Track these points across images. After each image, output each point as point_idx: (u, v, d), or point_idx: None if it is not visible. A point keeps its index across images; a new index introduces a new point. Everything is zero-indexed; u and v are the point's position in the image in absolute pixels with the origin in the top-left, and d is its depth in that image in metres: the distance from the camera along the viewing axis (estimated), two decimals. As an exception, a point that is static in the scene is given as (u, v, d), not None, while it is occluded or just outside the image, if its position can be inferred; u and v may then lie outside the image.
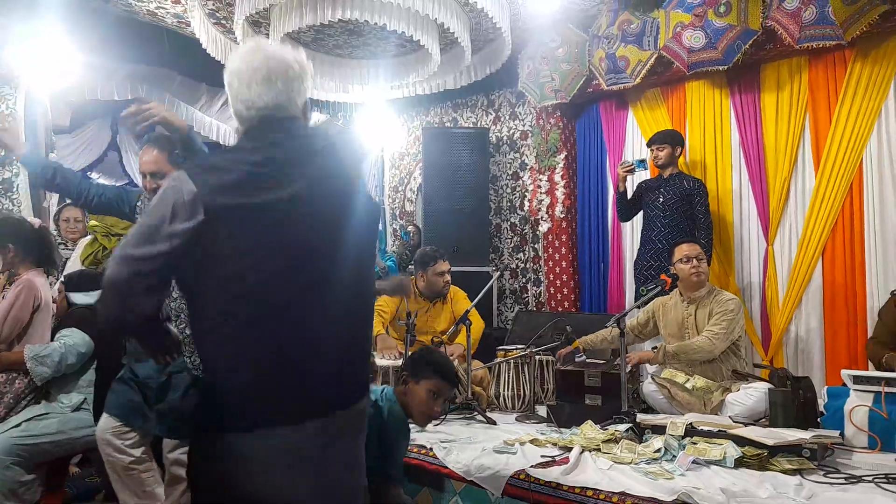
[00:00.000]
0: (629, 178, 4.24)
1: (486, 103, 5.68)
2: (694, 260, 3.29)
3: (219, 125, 5.46)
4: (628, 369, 3.02)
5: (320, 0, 3.59)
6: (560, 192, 5.01)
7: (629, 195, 4.23)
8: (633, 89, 4.51)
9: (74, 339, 2.90)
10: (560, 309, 4.94)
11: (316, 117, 5.95)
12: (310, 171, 1.32)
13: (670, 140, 4.08)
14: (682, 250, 3.36)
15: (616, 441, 2.56)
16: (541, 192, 5.11)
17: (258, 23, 4.31)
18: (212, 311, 1.27)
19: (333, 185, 1.35)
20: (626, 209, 4.27)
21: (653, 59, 4.17)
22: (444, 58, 4.53)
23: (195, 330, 1.33)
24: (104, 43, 4.28)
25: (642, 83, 4.35)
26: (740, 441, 2.36)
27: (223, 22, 4.34)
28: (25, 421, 2.71)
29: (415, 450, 2.57)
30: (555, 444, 2.64)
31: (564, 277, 5.00)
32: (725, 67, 3.94)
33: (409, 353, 2.92)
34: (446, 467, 2.42)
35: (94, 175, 6.38)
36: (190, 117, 5.22)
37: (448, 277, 3.80)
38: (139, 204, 2.50)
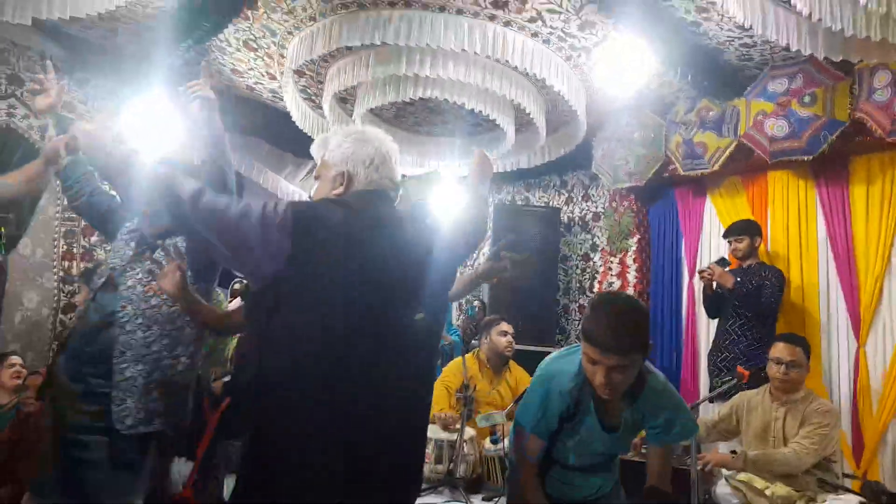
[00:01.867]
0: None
1: (559, 183, 5.71)
2: (784, 366, 2.96)
3: (301, 193, 5.73)
4: (700, 468, 2.79)
5: (403, 79, 3.79)
6: (632, 276, 4.88)
7: (712, 288, 4.00)
8: (711, 176, 4.42)
9: None
10: (627, 398, 4.70)
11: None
12: (395, 246, 1.46)
13: (748, 231, 3.93)
14: (777, 349, 3.01)
15: (682, 546, 2.34)
16: (611, 275, 5.00)
17: (345, 99, 4.57)
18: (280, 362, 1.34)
19: (409, 263, 1.48)
20: (714, 305, 4.04)
21: (732, 146, 4.10)
22: (519, 137, 4.62)
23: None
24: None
25: (721, 170, 4.26)
26: (826, 561, 2.11)
27: (313, 98, 4.63)
28: None
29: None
30: (614, 543, 2.44)
31: (633, 365, 4.78)
32: (810, 158, 3.80)
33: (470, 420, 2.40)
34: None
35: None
36: (275, 184, 5.51)
37: (511, 339, 3.71)
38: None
